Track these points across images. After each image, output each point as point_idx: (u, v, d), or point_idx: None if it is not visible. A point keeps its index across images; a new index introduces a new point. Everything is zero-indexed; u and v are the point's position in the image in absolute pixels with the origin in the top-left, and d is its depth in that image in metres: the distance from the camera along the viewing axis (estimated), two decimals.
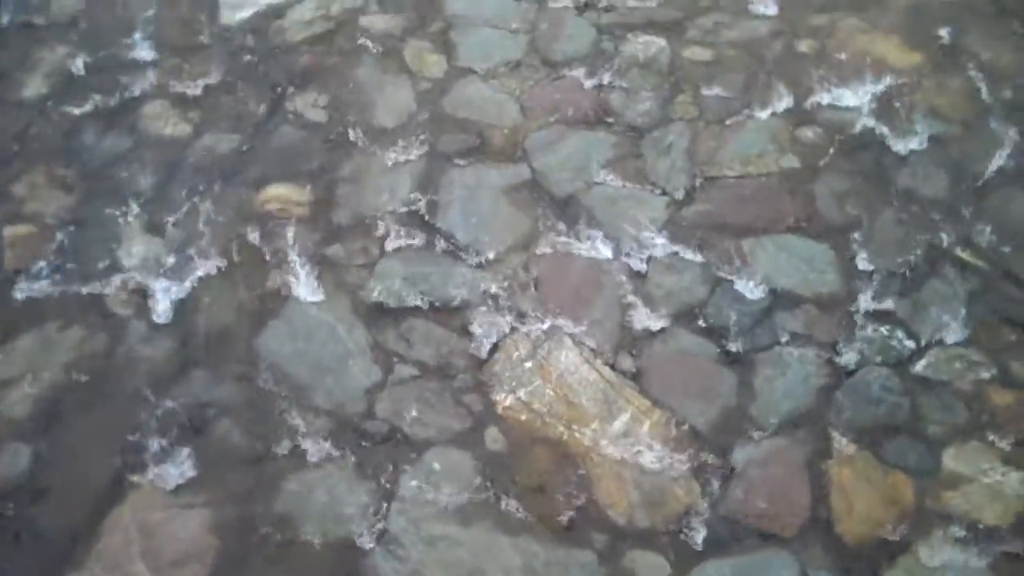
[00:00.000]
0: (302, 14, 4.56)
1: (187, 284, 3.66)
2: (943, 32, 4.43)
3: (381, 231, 3.79)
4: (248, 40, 4.47)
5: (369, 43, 4.43)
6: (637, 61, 4.34)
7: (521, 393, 3.39)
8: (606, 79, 4.28)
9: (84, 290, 3.64)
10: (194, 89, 4.28)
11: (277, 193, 3.92)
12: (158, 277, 3.67)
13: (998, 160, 3.96)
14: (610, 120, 4.15)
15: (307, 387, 3.41)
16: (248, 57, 4.40)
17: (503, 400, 3.38)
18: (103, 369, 3.44)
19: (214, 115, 4.20)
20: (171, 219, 3.84)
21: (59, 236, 3.79)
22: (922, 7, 4.57)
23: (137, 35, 4.49)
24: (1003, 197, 3.85)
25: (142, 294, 3.62)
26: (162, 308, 3.59)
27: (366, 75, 4.31)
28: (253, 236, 3.79)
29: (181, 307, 3.61)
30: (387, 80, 4.29)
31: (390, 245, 3.76)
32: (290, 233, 3.78)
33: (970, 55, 4.35)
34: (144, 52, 4.43)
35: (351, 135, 4.09)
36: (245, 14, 4.59)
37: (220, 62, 4.39)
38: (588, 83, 4.27)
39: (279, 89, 4.28)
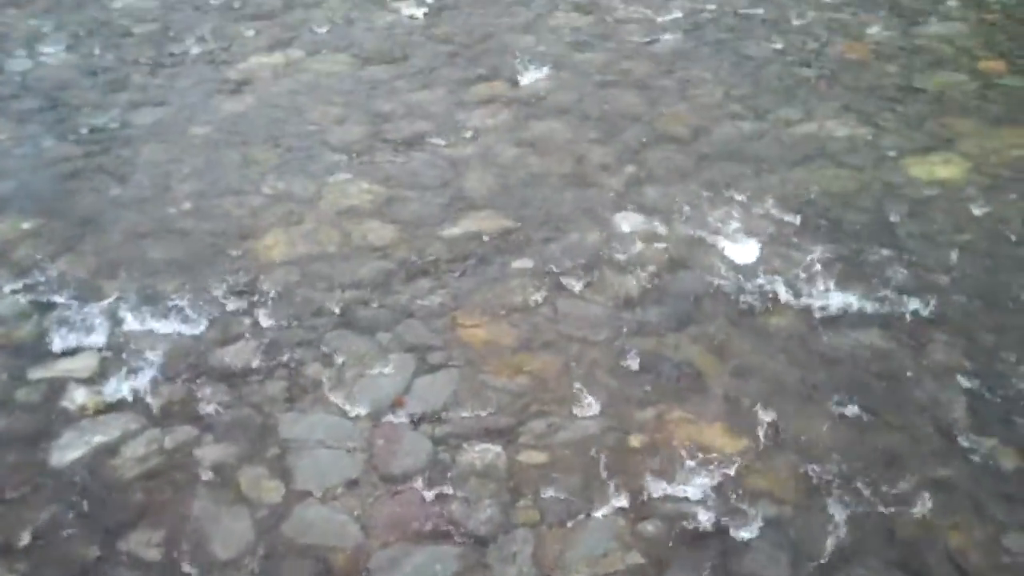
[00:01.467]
0: (135, 450, 4.51)
1: None
2: (762, 416, 4.64)
3: None
4: (79, 481, 4.36)
5: (204, 474, 4.38)
6: (475, 469, 4.39)
7: None
8: (446, 490, 4.29)
9: None
10: (20, 539, 4.10)
11: None
12: None
13: (834, 539, 4.04)
14: (453, 532, 4.12)
15: None
16: (79, 499, 4.28)
17: None
18: None
19: (42, 564, 4.00)
20: None
21: None
22: (739, 393, 4.82)
23: None
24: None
25: None
26: None
27: (201, 508, 4.23)
28: None
29: None
30: (223, 511, 4.21)
31: None
32: None
33: (791, 436, 4.55)
34: None
35: (186, 572, 3.94)
36: (76, 454, 4.51)
37: (49, 506, 4.25)
38: (428, 495, 4.27)
39: (111, 530, 4.14)
